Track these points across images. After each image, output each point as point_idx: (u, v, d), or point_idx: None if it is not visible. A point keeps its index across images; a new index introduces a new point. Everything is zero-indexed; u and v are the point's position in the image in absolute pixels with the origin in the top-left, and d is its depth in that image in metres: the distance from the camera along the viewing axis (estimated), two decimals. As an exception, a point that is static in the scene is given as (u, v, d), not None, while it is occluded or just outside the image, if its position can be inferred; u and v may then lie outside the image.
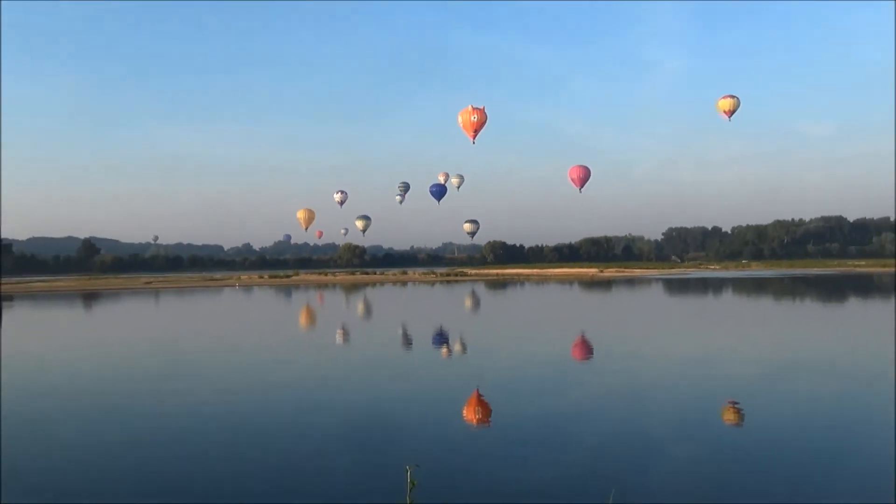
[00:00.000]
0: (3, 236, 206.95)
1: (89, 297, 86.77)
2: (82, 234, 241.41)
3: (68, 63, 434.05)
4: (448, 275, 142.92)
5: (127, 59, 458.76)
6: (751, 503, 11.44)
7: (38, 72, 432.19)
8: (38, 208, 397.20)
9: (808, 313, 53.08)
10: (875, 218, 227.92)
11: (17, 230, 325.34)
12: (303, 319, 55.73)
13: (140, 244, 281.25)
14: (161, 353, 33.74)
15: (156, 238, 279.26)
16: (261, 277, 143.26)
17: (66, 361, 31.65)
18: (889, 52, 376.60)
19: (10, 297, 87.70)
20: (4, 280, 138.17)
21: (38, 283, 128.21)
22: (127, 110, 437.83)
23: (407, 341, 37.66)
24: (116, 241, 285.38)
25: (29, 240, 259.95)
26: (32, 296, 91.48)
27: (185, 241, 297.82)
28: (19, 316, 61.65)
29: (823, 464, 13.65)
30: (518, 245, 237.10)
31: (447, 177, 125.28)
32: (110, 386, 24.34)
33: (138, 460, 14.55)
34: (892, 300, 62.57)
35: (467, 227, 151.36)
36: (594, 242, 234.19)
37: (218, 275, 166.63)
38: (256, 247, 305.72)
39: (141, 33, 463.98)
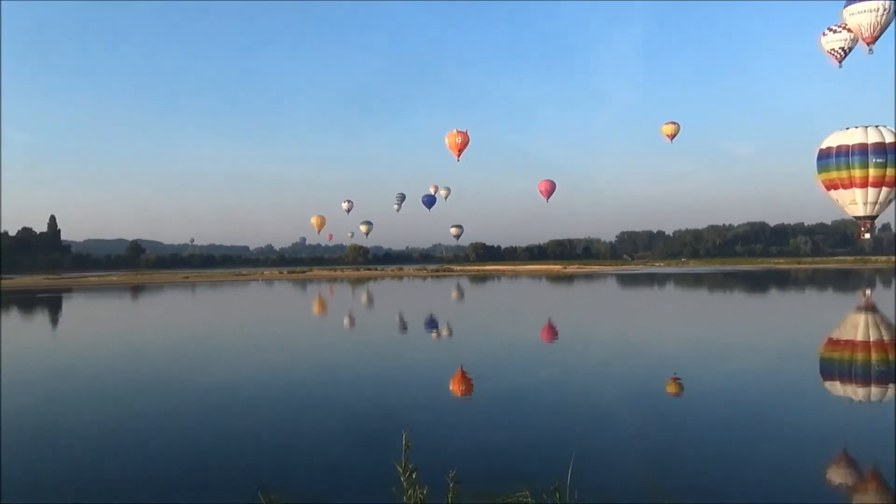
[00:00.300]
0: (63, 238, 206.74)
1: (136, 289, 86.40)
2: (130, 237, 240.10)
3: (110, 97, 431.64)
4: (437, 270, 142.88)
5: (163, 90, 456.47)
6: (691, 459, 11.35)
7: (92, 103, 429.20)
8: (92, 215, 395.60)
9: (736, 302, 53.23)
10: (791, 223, 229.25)
11: (75, 233, 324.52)
12: (316, 307, 55.60)
13: (179, 245, 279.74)
14: (204, 331, 33.62)
15: (192, 240, 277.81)
16: (280, 273, 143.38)
17: (123, 339, 31.43)
18: (792, 88, 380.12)
19: (69, 289, 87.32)
20: (65, 275, 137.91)
21: (92, 277, 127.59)
22: (167, 133, 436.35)
23: (402, 326, 37.51)
24: (159, 243, 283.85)
25: (85, 241, 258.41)
26: (88, 288, 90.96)
27: (216, 243, 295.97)
28: (77, 305, 61.33)
29: (751, 426, 13.56)
30: (496, 246, 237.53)
31: (437, 188, 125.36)
32: (169, 353, 24.16)
33: (206, 408, 14.40)
34: (805, 291, 62.90)
35: (453, 230, 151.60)
36: (559, 243, 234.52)
37: (244, 271, 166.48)
38: (277, 247, 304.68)
39: (173, 67, 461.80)
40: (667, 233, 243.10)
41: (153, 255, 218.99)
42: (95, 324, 43.04)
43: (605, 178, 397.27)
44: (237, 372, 21.69)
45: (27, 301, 64.16)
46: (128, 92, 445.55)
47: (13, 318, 47.97)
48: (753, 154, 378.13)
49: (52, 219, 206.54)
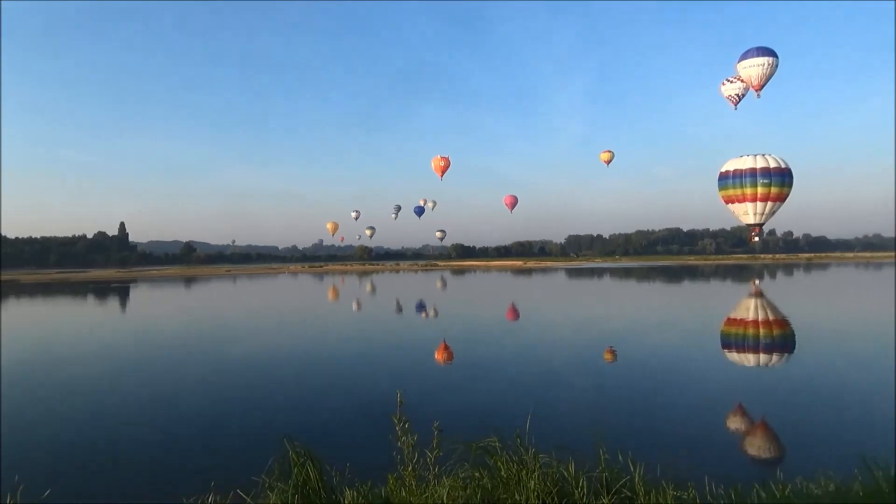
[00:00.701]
0: (130, 240, 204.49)
1: (188, 280, 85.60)
2: (184, 239, 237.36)
3: (170, 128, 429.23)
4: (426, 265, 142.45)
5: (208, 120, 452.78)
6: (622, 411, 11.42)
7: (151, 132, 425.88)
8: (154, 221, 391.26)
9: (657, 290, 53.48)
10: (700, 229, 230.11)
11: (140, 236, 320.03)
12: (331, 293, 55.29)
13: (223, 245, 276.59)
14: (243, 310, 33.44)
15: (233, 241, 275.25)
16: (303, 267, 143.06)
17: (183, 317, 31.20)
18: (702, 124, 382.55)
19: (135, 280, 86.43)
20: (132, 269, 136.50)
21: (153, 271, 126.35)
22: (210, 157, 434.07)
23: (399, 308, 37.39)
24: (207, 243, 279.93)
25: (148, 242, 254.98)
26: (150, 279, 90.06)
27: (252, 243, 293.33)
28: (142, 291, 60.75)
29: (669, 385, 13.65)
30: (472, 246, 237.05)
31: (426, 201, 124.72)
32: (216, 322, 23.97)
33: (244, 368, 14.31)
34: (710, 282, 63.33)
35: (438, 234, 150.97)
36: (520, 244, 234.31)
37: (274, 265, 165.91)
38: (300, 247, 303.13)
39: (215, 104, 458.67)
40: (605, 236, 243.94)
41: (202, 254, 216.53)
42: (158, 306, 42.65)
43: (557, 193, 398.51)
44: (267, 342, 21.59)
45: (104, 289, 63.47)
46: (181, 124, 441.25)
47: (94, 302, 47.42)
48: (672, 175, 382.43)
49: (122, 224, 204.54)
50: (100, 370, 17.04)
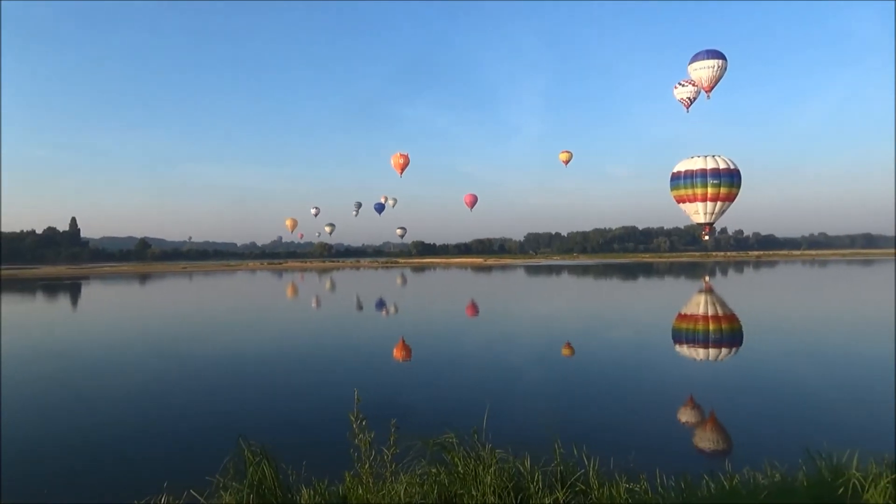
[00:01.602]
0: (82, 236, 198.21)
1: (143, 277, 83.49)
2: (139, 235, 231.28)
3: (120, 119, 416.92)
4: (386, 263, 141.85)
5: (166, 117, 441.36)
6: (579, 405, 11.55)
7: (105, 123, 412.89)
8: (108, 216, 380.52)
9: (612, 287, 54.38)
10: (655, 227, 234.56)
11: (92, 231, 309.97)
12: (289, 290, 54.59)
13: (179, 241, 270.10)
14: (198, 308, 32.72)
15: (189, 238, 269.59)
16: (262, 264, 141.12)
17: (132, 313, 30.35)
18: (656, 126, 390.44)
19: (87, 277, 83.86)
20: (83, 266, 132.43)
21: (106, 267, 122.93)
22: (167, 150, 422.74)
23: (358, 305, 37.16)
24: (163, 240, 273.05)
25: (101, 238, 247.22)
26: (103, 276, 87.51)
27: (209, 240, 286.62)
28: (94, 289, 58.92)
29: (623, 378, 13.89)
30: (432, 243, 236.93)
31: (386, 198, 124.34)
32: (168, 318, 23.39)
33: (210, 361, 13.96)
34: (664, 279, 64.67)
35: (398, 231, 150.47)
36: (480, 242, 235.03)
37: (232, 262, 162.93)
38: (259, 244, 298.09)
39: (169, 98, 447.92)
40: (563, 234, 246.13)
41: (157, 250, 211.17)
42: (108, 304, 41.43)
43: (516, 191, 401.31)
44: (223, 340, 21.16)
45: (54, 287, 61.38)
46: (135, 114, 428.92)
47: (44, 299, 45.79)
48: (628, 175, 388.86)
49: (73, 220, 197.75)
50: (47, 370, 16.46)
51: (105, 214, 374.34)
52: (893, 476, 4.27)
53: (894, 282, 52.11)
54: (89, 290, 57.61)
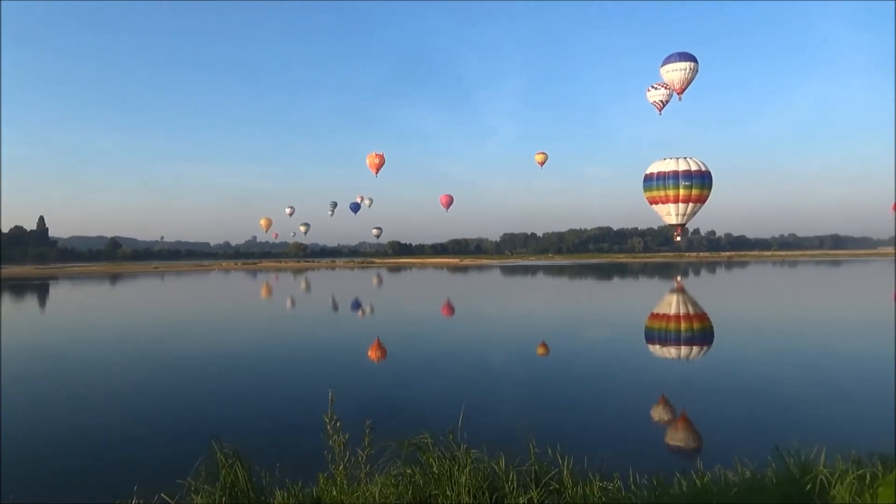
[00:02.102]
0: (50, 235, 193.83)
1: (114, 277, 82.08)
2: (109, 234, 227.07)
3: (89, 115, 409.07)
4: (362, 263, 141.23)
5: (142, 116, 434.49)
6: (554, 405, 11.61)
7: (76, 120, 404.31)
8: (77, 215, 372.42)
9: (587, 287, 54.85)
10: (629, 228, 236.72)
11: (61, 230, 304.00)
12: (263, 290, 54.07)
13: (151, 241, 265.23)
14: (170, 309, 32.22)
15: (162, 237, 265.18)
16: (236, 264, 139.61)
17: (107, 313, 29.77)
18: (632, 127, 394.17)
19: (55, 277, 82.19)
20: (51, 266, 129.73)
21: (76, 267, 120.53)
22: (139, 146, 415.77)
23: (334, 305, 36.95)
24: (134, 239, 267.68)
25: (70, 238, 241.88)
26: (71, 276, 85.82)
27: (182, 239, 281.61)
28: (62, 289, 57.74)
29: (597, 377, 14.01)
30: (408, 243, 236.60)
31: (362, 198, 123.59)
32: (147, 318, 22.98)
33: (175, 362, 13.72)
34: (637, 279, 65.41)
35: (374, 231, 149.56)
36: (456, 242, 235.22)
37: (205, 262, 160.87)
38: (233, 244, 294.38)
39: (139, 96, 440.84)
40: (538, 234, 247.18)
41: (128, 250, 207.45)
42: (77, 304, 40.63)
43: (493, 192, 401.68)
44: (196, 341, 20.89)
45: (21, 287, 60.01)
46: (104, 111, 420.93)
47: (11, 300, 44.72)
48: (604, 176, 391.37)
49: (41, 219, 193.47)
50: (17, 370, 16.07)
51: (74, 213, 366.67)
52: (859, 472, 4.36)
53: (862, 282, 53.36)
54: (58, 291, 56.46)
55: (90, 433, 10.33)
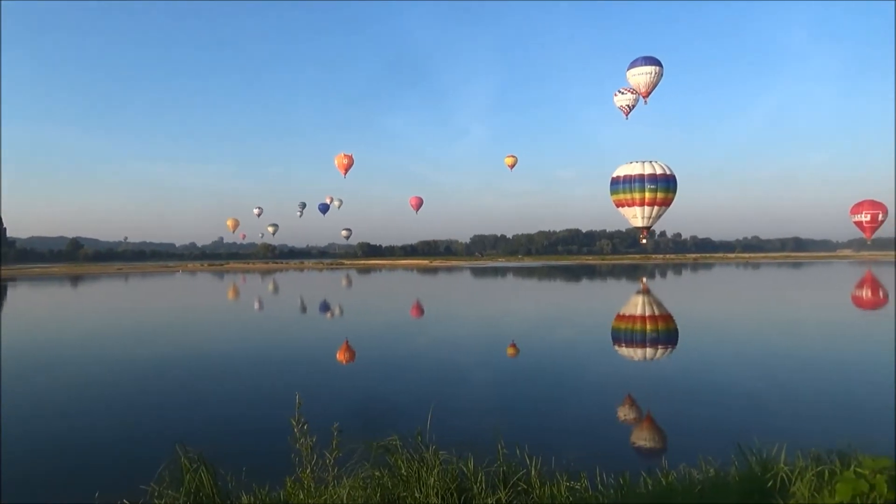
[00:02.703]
0: (8, 235, 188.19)
1: (75, 279, 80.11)
2: (70, 235, 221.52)
3: (50, 113, 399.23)
4: (332, 264, 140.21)
5: (105, 114, 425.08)
6: (522, 405, 11.67)
7: (34, 118, 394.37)
8: (37, 215, 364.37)
9: (556, 288, 55.30)
10: (597, 230, 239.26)
11: (20, 230, 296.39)
12: (230, 292, 53.29)
13: (114, 242, 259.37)
14: (133, 311, 31.51)
15: (125, 238, 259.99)
16: (202, 265, 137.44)
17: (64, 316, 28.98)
18: (601, 130, 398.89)
19: (14, 279, 79.87)
20: (10, 266, 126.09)
21: (35, 268, 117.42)
22: (102, 145, 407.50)
23: (302, 307, 36.62)
24: (97, 240, 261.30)
25: (29, 238, 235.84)
26: (31, 278, 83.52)
27: (147, 240, 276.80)
28: (25, 291, 56.11)
29: (565, 378, 14.11)
30: (378, 244, 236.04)
31: (332, 199, 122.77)
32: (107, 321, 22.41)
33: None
34: (606, 280, 66.17)
35: (343, 232, 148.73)
36: (427, 243, 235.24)
37: (171, 263, 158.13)
38: (199, 245, 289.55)
39: (105, 91, 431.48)
40: (508, 236, 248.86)
41: (90, 250, 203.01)
42: (38, 306, 39.51)
43: (463, 193, 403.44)
44: (160, 343, 20.47)
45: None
46: (66, 109, 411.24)
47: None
48: (572, 178, 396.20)
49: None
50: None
51: (34, 213, 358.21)
52: (818, 469, 4.47)
53: (822, 284, 54.81)
54: (16, 293, 54.87)
55: (48, 439, 10.04)
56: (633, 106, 50.19)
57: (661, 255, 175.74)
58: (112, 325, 27.90)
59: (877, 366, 15.21)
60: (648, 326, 23.69)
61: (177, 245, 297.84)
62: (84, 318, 31.66)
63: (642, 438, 9.79)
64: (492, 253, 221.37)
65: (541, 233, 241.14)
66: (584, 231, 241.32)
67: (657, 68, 47.20)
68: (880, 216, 75.74)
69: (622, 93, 50.27)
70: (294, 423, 5.33)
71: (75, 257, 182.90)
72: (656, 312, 29.27)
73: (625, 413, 11.36)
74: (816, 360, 16.16)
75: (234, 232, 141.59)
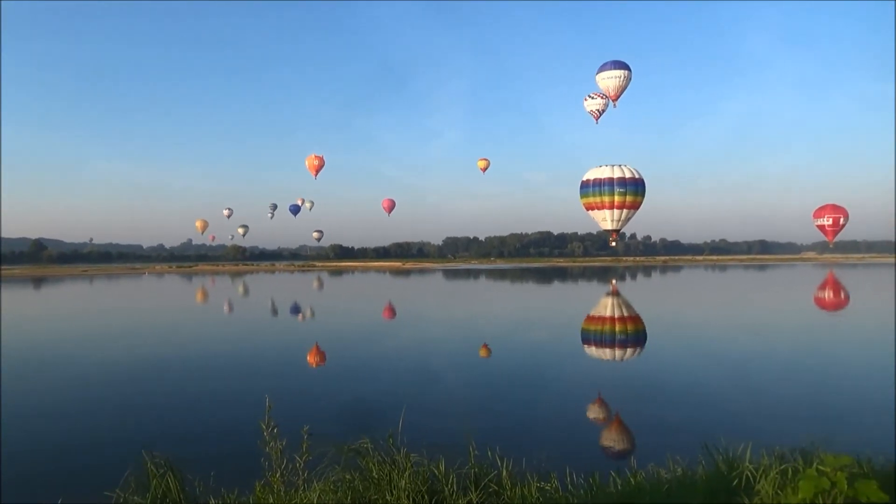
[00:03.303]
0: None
1: (38, 281, 78.13)
2: (33, 236, 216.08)
3: (11, 111, 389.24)
4: (303, 266, 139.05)
5: (68, 113, 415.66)
6: (494, 405, 11.70)
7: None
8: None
9: (528, 290, 55.59)
10: (569, 232, 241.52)
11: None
12: (199, 295, 52.47)
13: (79, 243, 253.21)
14: (99, 314, 30.80)
15: (91, 239, 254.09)
16: (170, 267, 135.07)
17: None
18: (571, 134, 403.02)
19: (-26, 281, 77.75)
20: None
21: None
22: (66, 144, 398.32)
23: (273, 310, 36.24)
24: (61, 241, 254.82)
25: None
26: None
27: (113, 241, 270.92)
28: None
29: (537, 378, 14.19)
30: (350, 246, 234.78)
31: (303, 201, 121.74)
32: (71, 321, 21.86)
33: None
34: (577, 282, 66.75)
35: (315, 234, 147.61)
36: (399, 245, 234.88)
37: (137, 265, 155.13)
38: (167, 246, 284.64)
39: (71, 89, 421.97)
40: (480, 238, 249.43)
41: (55, 252, 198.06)
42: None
43: (435, 196, 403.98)
44: (125, 347, 20.05)
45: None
46: (25, 108, 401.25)
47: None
48: (544, 181, 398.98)
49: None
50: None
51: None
52: (782, 467, 4.56)
53: (787, 286, 56.06)
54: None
55: (11, 444, 9.77)
56: (603, 110, 50.83)
57: (631, 258, 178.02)
58: (75, 328, 27.27)
59: (839, 366, 15.63)
60: (618, 327, 23.96)
61: (144, 247, 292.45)
62: (46, 321, 30.88)
63: (611, 438, 9.89)
64: (464, 255, 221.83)
65: (513, 235, 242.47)
66: (555, 233, 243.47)
67: (626, 72, 47.96)
68: (842, 220, 77.71)
69: (592, 97, 50.89)
70: (264, 426, 5.27)
71: (39, 259, 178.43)
72: (625, 314, 29.63)
73: (595, 413, 11.47)
74: (781, 360, 16.50)
75: (202, 233, 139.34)
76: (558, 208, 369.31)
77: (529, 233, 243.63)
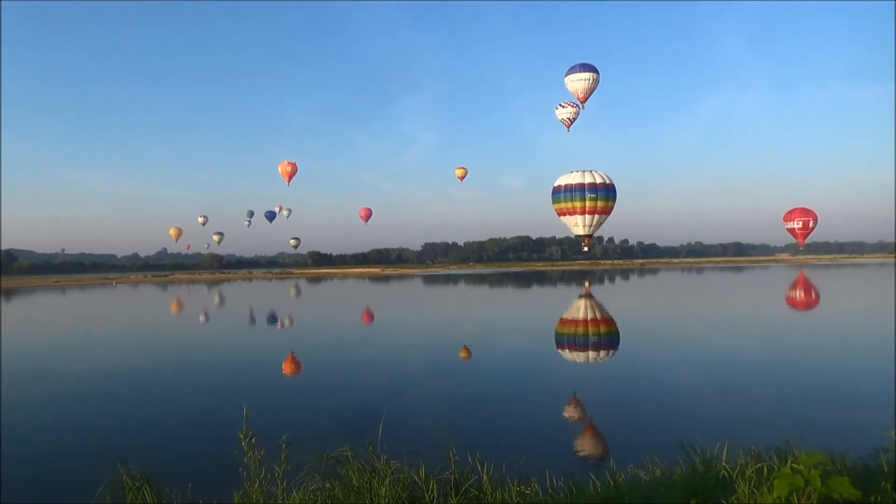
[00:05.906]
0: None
1: (8, 293, 76.55)
2: (3, 247, 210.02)
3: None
4: (280, 274, 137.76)
5: (40, 118, 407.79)
6: (473, 407, 11.71)
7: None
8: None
9: (505, 294, 55.74)
10: (547, 237, 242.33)
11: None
12: (174, 305, 51.76)
13: (51, 254, 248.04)
14: (71, 325, 30.24)
15: (62, 249, 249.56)
16: (145, 277, 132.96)
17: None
18: (547, 139, 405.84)
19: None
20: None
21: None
22: (37, 153, 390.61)
23: (250, 319, 35.88)
24: (32, 252, 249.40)
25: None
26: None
27: (86, 251, 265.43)
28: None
29: (514, 379, 14.23)
30: (329, 253, 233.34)
31: (281, 208, 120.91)
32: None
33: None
34: (556, 286, 67.11)
35: (292, 241, 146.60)
36: (378, 251, 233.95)
37: (112, 275, 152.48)
38: (142, 255, 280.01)
39: (39, 94, 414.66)
40: (459, 244, 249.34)
41: (26, 263, 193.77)
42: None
43: (413, 201, 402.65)
44: (100, 358, 19.72)
45: None
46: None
47: None
48: (522, 186, 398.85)
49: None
50: None
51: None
52: (758, 466, 4.62)
53: (761, 287, 56.94)
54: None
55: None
56: (575, 118, 51.38)
57: (608, 261, 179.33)
58: (48, 339, 26.73)
59: (812, 365, 15.89)
60: (591, 330, 24.12)
61: (118, 256, 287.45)
62: (19, 332, 30.22)
63: (590, 441, 9.94)
64: (443, 260, 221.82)
65: (492, 240, 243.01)
66: (534, 238, 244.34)
67: (594, 75, 48.63)
68: (811, 223, 79.29)
69: (563, 106, 51.45)
70: (241, 436, 5.19)
71: (8, 270, 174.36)
72: (598, 316, 29.85)
73: (573, 416, 11.53)
74: (756, 360, 16.74)
75: (177, 241, 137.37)
76: (536, 213, 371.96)
77: (508, 237, 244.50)
